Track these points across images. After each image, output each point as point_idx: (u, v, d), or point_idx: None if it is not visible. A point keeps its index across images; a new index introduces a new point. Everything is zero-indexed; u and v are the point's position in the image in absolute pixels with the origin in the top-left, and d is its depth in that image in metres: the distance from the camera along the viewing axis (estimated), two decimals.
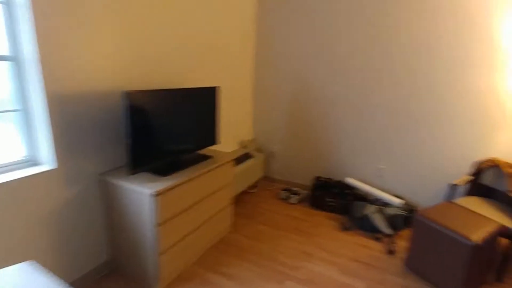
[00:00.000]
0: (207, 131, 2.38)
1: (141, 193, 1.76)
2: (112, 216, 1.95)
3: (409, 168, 2.96)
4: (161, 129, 1.93)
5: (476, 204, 2.36)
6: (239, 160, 3.12)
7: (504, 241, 2.18)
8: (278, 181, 3.63)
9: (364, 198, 3.00)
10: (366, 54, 2.90)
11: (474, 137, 2.65)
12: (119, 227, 1.95)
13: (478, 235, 1.87)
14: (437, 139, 2.79)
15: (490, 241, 1.93)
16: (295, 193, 3.20)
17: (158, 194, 1.74)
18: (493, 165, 2.42)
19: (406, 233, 2.67)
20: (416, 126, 2.85)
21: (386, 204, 2.81)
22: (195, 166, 2.14)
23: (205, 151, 2.50)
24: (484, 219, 2.07)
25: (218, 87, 2.37)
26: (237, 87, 3.21)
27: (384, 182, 3.08)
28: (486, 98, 2.55)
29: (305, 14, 3.08)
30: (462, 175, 2.73)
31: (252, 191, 3.42)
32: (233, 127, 3.29)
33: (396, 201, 2.76)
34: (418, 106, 2.80)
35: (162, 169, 2.00)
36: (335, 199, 2.97)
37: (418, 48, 2.69)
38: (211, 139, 2.44)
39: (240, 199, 3.20)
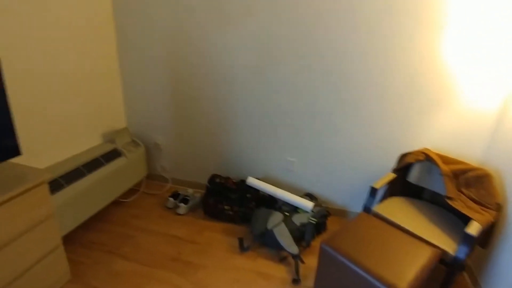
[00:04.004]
0: None
1: None
2: None
3: (322, 161, 2.32)
4: None
5: (402, 212, 1.81)
6: (98, 163, 2.15)
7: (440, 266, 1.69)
8: (170, 181, 2.77)
9: (270, 201, 2.33)
10: (263, 20, 2.04)
11: (403, 120, 2.07)
12: None
13: (409, 279, 1.29)
14: (356, 124, 2.15)
15: (426, 280, 1.38)
16: (186, 199, 2.39)
17: None
18: (424, 159, 1.88)
19: (318, 244, 2.09)
20: (329, 107, 2.16)
21: (295, 209, 2.17)
22: None
23: None
24: (415, 244, 1.52)
25: None
26: (85, 54, 2.13)
27: (294, 177, 2.43)
28: (418, 68, 1.93)
29: None
30: (386, 167, 2.19)
31: (126, 200, 2.51)
32: (93, 114, 2.26)
33: (306, 204, 2.13)
34: (331, 83, 2.09)
35: None
36: (233, 206, 2.24)
37: (329, 5, 1.92)
38: (2, 149, 1.42)
39: (102, 218, 2.28)
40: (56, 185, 1.82)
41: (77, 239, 2.06)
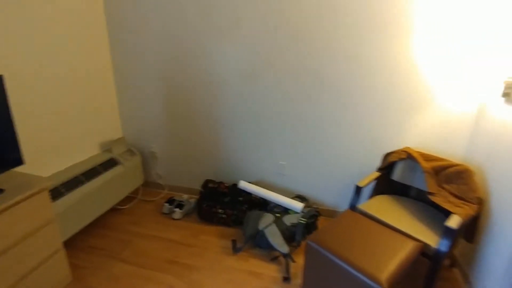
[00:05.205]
0: None
1: None
2: None
3: (312, 163, 2.40)
4: None
5: (386, 208, 1.88)
6: (96, 171, 2.23)
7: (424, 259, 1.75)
8: (166, 187, 2.85)
9: (262, 204, 2.40)
10: (253, 30, 2.15)
11: (386, 121, 2.16)
12: None
13: (389, 270, 1.36)
14: (342, 127, 2.24)
15: (408, 272, 1.45)
16: (181, 205, 2.47)
17: None
18: (407, 157, 1.96)
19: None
20: (317, 112, 2.25)
21: (286, 210, 2.24)
22: None
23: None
24: (397, 238, 1.58)
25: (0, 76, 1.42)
26: (81, 69, 2.24)
27: (285, 180, 2.50)
28: (399, 73, 2.03)
29: None
30: (373, 167, 2.26)
31: (123, 207, 2.59)
32: (90, 126, 2.36)
33: (296, 205, 2.20)
34: (317, 89, 2.19)
35: None
36: (226, 209, 2.31)
37: (310, 17, 2.03)
38: (7, 159, 1.52)
39: (101, 224, 2.35)
40: (56, 193, 1.92)
41: (78, 245, 2.14)
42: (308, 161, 2.40)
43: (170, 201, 2.53)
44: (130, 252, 2.07)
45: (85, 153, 2.36)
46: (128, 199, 2.69)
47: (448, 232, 1.56)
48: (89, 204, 2.13)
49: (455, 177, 1.82)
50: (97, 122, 2.45)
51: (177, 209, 2.42)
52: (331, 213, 2.48)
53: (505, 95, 1.67)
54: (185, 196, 2.61)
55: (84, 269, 1.92)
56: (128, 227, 2.34)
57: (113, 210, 2.52)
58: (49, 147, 2.04)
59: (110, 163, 2.38)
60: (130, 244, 2.16)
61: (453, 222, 1.56)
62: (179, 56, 2.38)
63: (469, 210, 1.67)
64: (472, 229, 1.79)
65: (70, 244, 2.13)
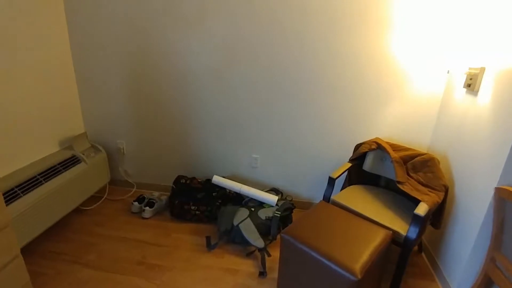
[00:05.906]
0: None
1: None
2: None
3: (285, 156, 2.39)
4: None
5: (359, 198, 1.91)
6: (56, 170, 2.06)
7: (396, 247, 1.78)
8: (135, 185, 2.72)
9: (236, 198, 2.36)
10: (220, 24, 2.07)
11: (357, 112, 2.18)
12: None
13: (362, 260, 1.36)
14: (313, 118, 2.24)
15: (380, 260, 1.47)
16: (151, 203, 2.36)
17: None
18: (377, 148, 1.99)
19: None
20: (288, 104, 2.23)
21: (261, 204, 2.21)
22: None
23: None
24: (369, 228, 1.60)
25: None
26: (38, 62, 2.04)
27: (259, 173, 2.47)
28: (366, 64, 2.05)
29: None
30: (345, 158, 2.29)
31: (88, 208, 2.43)
32: (47, 121, 2.16)
33: (270, 199, 2.17)
34: (288, 83, 2.17)
35: None
36: (200, 205, 2.24)
37: (279, 8, 1.99)
38: None
39: (63, 227, 2.19)
40: (12, 195, 1.75)
41: (38, 250, 1.97)
42: (281, 154, 2.38)
43: (140, 199, 2.41)
44: (96, 256, 1.94)
45: (43, 151, 2.17)
46: (93, 199, 2.52)
47: (416, 220, 1.61)
48: (49, 206, 1.96)
49: (421, 166, 1.88)
50: (56, 117, 2.25)
51: (147, 208, 2.30)
52: (306, 205, 2.49)
53: (467, 85, 1.74)
54: (156, 194, 2.50)
55: (46, 276, 1.77)
56: (94, 228, 2.20)
57: (77, 212, 2.36)
58: (2, 145, 1.85)
59: (71, 161, 2.21)
60: (96, 247, 2.02)
61: (421, 209, 1.61)
62: (144, 48, 2.25)
63: (436, 197, 1.73)
64: (439, 216, 1.86)
65: (29, 250, 1.96)
